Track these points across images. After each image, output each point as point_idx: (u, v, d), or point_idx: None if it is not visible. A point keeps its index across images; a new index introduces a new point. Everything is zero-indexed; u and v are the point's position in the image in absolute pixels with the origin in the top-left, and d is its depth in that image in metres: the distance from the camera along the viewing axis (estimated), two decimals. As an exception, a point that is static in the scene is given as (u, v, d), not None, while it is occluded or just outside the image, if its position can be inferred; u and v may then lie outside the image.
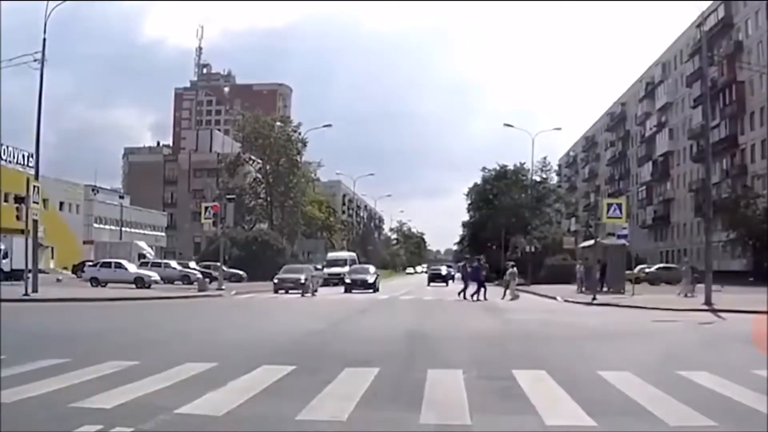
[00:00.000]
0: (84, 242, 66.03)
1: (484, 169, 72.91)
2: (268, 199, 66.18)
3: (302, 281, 32.75)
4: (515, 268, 31.49)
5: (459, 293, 29.50)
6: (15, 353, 9.21)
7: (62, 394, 6.64)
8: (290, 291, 32.47)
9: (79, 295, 26.20)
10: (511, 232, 62.43)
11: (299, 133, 65.96)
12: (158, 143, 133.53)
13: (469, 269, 30.42)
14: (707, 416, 5.95)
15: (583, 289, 32.68)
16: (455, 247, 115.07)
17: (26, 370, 7.93)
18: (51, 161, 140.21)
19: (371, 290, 36.88)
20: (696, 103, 62.55)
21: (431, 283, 51.59)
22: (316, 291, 33.30)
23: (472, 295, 28.47)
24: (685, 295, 27.93)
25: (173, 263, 46.53)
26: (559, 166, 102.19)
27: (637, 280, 34.19)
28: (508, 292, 30.15)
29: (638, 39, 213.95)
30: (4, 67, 27.01)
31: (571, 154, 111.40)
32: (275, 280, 34.08)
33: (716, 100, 57.78)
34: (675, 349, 11.56)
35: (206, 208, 36.96)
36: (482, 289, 28.55)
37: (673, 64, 73.16)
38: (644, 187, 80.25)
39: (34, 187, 24.48)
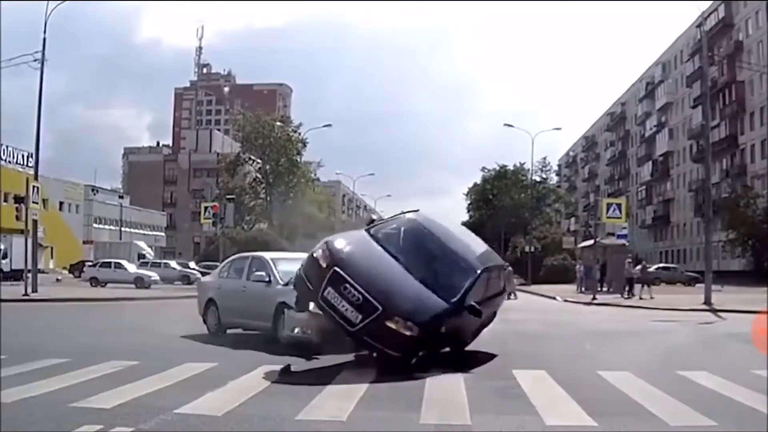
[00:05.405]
0: (84, 242, 66.02)
1: (484, 169, 73.15)
2: (268, 199, 66.14)
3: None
4: None
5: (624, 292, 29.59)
6: (15, 353, 9.19)
7: (62, 394, 6.65)
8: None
9: (79, 295, 26.19)
10: (511, 232, 62.44)
11: (299, 133, 65.95)
12: (158, 143, 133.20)
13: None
14: (707, 416, 5.95)
15: (583, 288, 32.71)
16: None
17: (26, 370, 7.93)
18: (51, 161, 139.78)
19: None
20: (696, 103, 62.45)
21: None
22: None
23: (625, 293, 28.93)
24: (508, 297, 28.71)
25: (173, 263, 46.53)
26: (559, 166, 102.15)
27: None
28: None
29: (638, 39, 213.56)
30: (4, 67, 27.02)
31: (571, 154, 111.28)
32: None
33: (716, 100, 57.71)
34: (675, 349, 11.56)
35: (206, 208, 36.77)
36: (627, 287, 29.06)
37: (673, 64, 73.12)
38: (644, 187, 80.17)
39: (34, 187, 24.47)
